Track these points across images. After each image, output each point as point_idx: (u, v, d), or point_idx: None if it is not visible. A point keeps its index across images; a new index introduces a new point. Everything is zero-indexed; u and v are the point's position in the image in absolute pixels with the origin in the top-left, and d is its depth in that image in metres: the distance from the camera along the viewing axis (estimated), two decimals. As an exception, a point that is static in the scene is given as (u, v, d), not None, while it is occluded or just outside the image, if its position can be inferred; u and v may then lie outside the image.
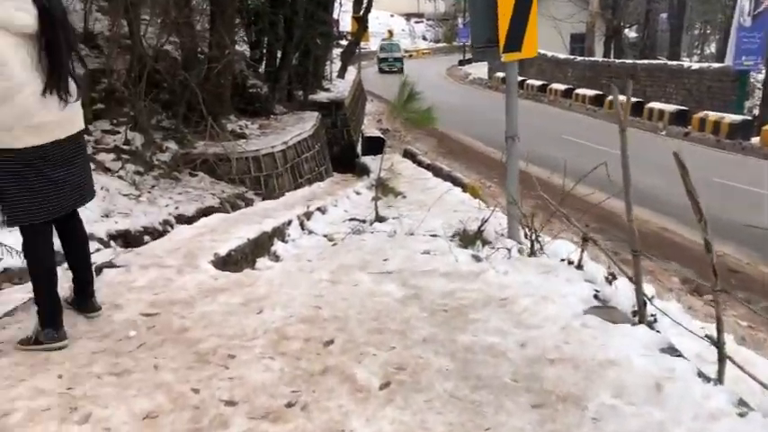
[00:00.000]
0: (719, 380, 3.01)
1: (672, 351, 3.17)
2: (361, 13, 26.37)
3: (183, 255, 4.57)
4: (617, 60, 32.41)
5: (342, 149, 19.49)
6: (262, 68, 17.64)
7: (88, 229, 8.50)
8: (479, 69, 45.60)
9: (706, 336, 3.43)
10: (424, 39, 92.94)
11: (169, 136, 11.85)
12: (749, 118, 20.81)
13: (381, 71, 49.16)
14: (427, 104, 7.22)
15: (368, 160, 10.60)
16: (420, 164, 13.12)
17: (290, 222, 5.77)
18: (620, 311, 3.74)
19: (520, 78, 38.03)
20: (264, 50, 17.57)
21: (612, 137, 3.85)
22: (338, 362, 3.01)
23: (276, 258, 5.20)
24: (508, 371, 2.94)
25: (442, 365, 2.98)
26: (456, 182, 12.02)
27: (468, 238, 5.93)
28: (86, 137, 11.01)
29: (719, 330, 3.13)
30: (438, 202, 7.87)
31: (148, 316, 3.58)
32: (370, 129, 22.35)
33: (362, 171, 10.45)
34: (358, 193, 8.69)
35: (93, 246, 8.87)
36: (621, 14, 37.32)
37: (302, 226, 6.08)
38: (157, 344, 3.24)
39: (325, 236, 6.04)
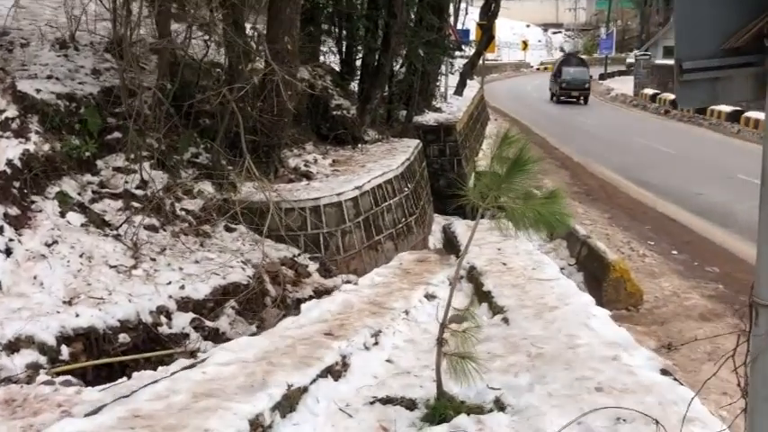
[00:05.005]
0: None
1: None
2: (487, 20, 22.79)
3: None
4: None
5: (449, 183, 16.08)
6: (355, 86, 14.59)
7: (30, 326, 5.62)
8: (623, 84, 40.48)
9: None
10: (562, 50, 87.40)
11: (205, 175, 8.96)
12: None
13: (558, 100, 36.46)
14: (542, 180, 3.74)
15: (460, 228, 7.08)
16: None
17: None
18: None
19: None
20: (359, 64, 14.47)
21: None
22: None
23: None
24: None
25: None
26: (596, 259, 8.24)
27: None
28: (90, 177, 8.38)
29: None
30: (565, 345, 4.40)
31: None
32: (488, 158, 18.65)
33: (450, 245, 6.95)
34: (430, 298, 5.27)
35: (25, 358, 6.04)
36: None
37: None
38: None
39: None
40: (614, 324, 4.62)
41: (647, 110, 32.32)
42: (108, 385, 4.66)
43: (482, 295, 5.32)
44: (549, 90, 38.32)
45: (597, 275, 8.06)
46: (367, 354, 4.02)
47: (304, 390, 3.34)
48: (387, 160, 11.01)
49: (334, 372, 3.66)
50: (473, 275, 5.66)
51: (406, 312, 4.86)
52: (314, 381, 3.45)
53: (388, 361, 4.07)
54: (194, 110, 9.03)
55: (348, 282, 8.64)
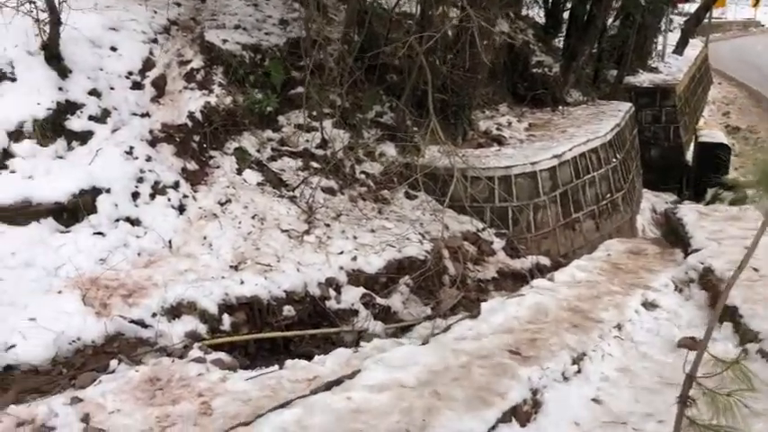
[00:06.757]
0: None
1: None
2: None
3: None
4: None
5: (662, 154, 14.09)
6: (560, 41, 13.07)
7: (192, 291, 5.26)
8: None
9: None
10: (802, 5, 75.90)
11: (388, 137, 8.24)
12: None
13: None
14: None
15: (690, 215, 5.61)
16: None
17: None
18: None
19: None
20: (566, 16, 12.91)
21: None
22: None
23: None
24: None
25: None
26: None
27: None
28: (270, 133, 7.97)
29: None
30: None
31: None
32: (710, 126, 16.16)
33: (674, 235, 5.55)
34: (650, 307, 4.08)
35: (185, 325, 5.69)
36: None
37: None
38: None
39: None
40: None
41: None
42: (256, 374, 4.11)
43: (723, 311, 4.02)
44: None
45: None
46: (566, 387, 3.00)
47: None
48: (592, 125, 9.59)
49: (521, 413, 2.71)
50: (709, 281, 4.33)
51: (619, 327, 3.72)
52: (492, 428, 2.52)
53: (594, 400, 3.01)
54: (380, 64, 8.29)
55: (538, 265, 7.58)
